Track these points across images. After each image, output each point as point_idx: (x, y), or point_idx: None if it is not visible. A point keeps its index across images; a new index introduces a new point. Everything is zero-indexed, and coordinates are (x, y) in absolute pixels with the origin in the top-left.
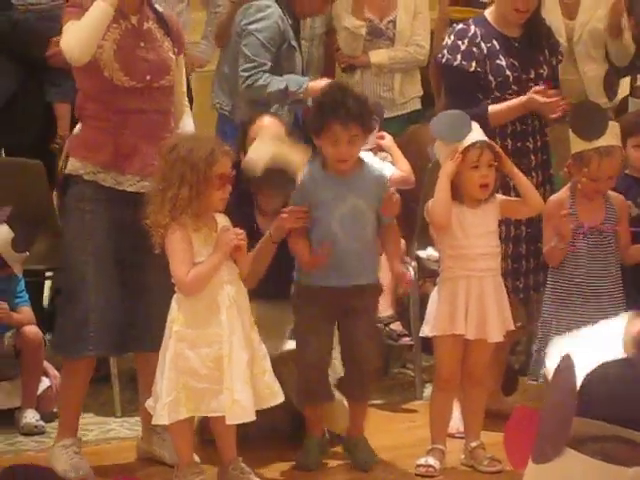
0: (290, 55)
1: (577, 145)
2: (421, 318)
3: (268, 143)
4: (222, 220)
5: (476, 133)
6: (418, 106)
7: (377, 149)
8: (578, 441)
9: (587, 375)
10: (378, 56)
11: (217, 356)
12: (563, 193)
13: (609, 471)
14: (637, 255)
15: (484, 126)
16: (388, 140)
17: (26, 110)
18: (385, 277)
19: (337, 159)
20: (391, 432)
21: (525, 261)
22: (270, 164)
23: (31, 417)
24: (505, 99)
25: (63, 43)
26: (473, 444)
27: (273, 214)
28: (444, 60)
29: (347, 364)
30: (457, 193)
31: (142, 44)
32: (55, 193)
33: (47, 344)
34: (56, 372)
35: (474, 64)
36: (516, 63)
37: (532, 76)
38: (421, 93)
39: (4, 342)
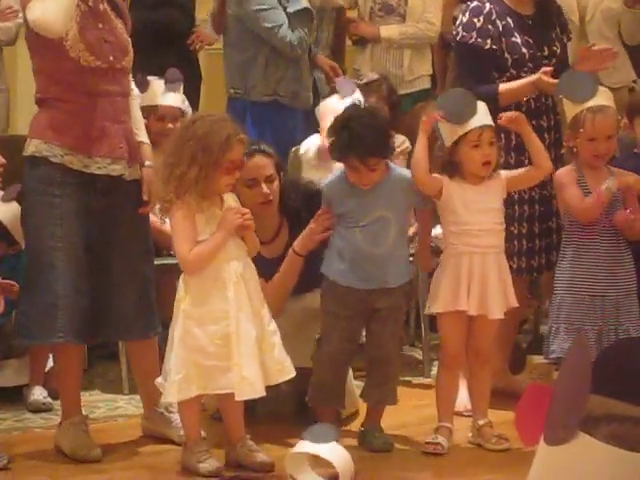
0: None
1: (571, 111)
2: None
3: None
4: (230, 199)
5: (480, 116)
6: (427, 85)
7: None
8: (592, 421)
9: (602, 351)
10: (388, 30)
11: (225, 333)
12: (568, 167)
13: (621, 457)
14: None
15: (494, 104)
16: None
17: None
18: None
19: (359, 184)
20: (399, 410)
21: (539, 240)
22: None
23: (39, 394)
24: (520, 77)
25: (37, 16)
26: (480, 422)
27: (270, 240)
28: (459, 37)
29: (370, 366)
30: (459, 171)
31: (100, 25)
32: None
33: None
34: None
35: (489, 42)
36: (530, 40)
37: (546, 53)
38: (430, 72)
39: (12, 319)
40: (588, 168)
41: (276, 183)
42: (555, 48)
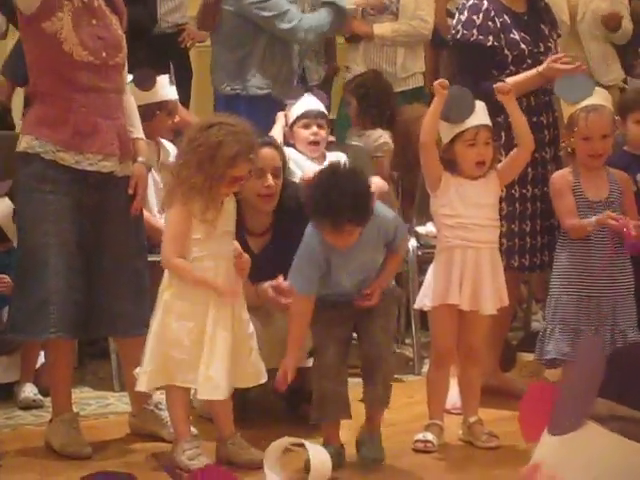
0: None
1: (567, 111)
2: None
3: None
4: (227, 204)
5: (477, 115)
6: (421, 83)
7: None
8: (599, 419)
9: (611, 354)
10: (381, 28)
11: (201, 330)
12: (565, 170)
13: (629, 446)
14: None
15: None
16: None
17: None
18: None
19: (337, 245)
20: (389, 408)
21: (540, 237)
22: None
23: (29, 391)
24: (519, 74)
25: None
26: (471, 420)
27: (261, 234)
28: (459, 36)
29: (364, 365)
30: (455, 167)
31: (94, 21)
32: None
33: None
34: None
35: (491, 38)
36: (527, 37)
37: (542, 50)
38: (423, 69)
39: (3, 316)
40: (585, 169)
41: (280, 179)
42: (550, 44)
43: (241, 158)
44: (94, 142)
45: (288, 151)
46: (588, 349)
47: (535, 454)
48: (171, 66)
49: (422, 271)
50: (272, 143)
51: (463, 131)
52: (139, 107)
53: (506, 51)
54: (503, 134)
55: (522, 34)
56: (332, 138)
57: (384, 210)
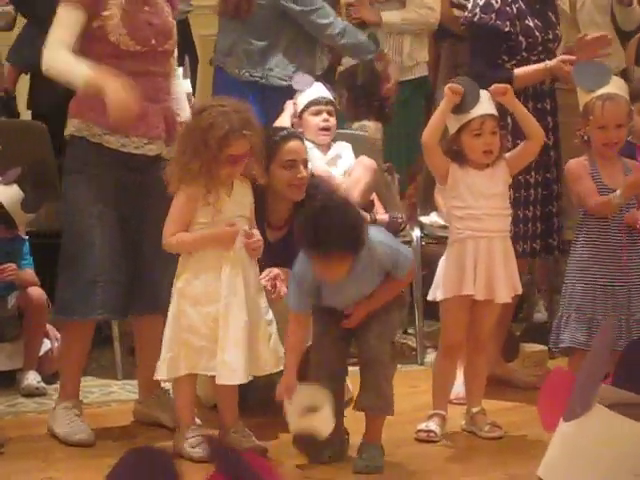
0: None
1: (583, 99)
2: (423, 282)
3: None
4: (241, 195)
5: (482, 105)
6: (425, 72)
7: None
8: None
9: (629, 345)
10: (391, 16)
11: (217, 315)
12: (581, 158)
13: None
14: None
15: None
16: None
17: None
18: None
19: (326, 279)
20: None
21: (540, 223)
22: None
23: (32, 379)
24: (530, 60)
25: (44, 56)
26: (474, 410)
27: (279, 227)
28: (476, 19)
29: (362, 373)
30: (463, 158)
31: (146, 8)
32: None
33: (50, 306)
34: (57, 334)
35: (508, 24)
36: (540, 24)
37: (551, 37)
38: (427, 59)
39: (8, 303)
40: (601, 158)
41: (307, 170)
42: (557, 31)
43: (233, 136)
44: (140, 125)
45: None
46: (601, 337)
47: (550, 445)
48: (186, 58)
49: (425, 262)
50: (298, 136)
51: (469, 121)
52: None
53: (520, 37)
54: (509, 120)
55: (535, 21)
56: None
57: (383, 239)
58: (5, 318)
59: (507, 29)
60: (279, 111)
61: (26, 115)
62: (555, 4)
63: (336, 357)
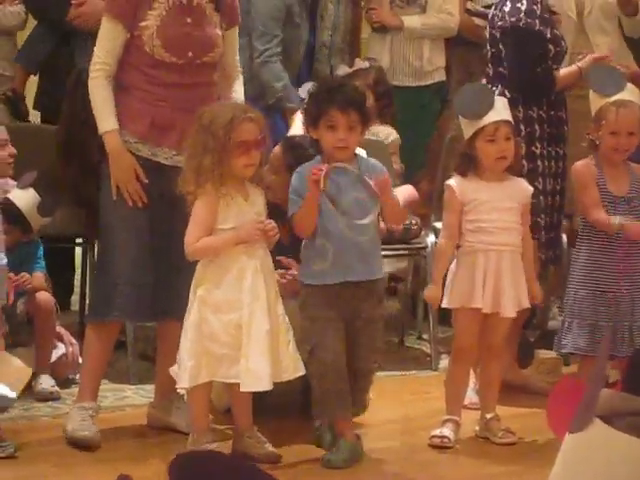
0: (292, 33)
1: (596, 103)
2: None
3: None
4: (256, 198)
5: (497, 110)
6: (444, 77)
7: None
8: (616, 415)
9: (636, 351)
10: (412, 21)
11: (239, 323)
12: (587, 160)
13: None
14: None
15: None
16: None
17: (59, 76)
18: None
19: (336, 145)
20: (405, 403)
21: (545, 233)
22: None
23: (47, 383)
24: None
25: (90, 77)
26: (488, 416)
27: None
28: (521, 23)
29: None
30: (476, 168)
31: (189, 20)
32: None
33: (59, 310)
34: (72, 338)
35: (548, 31)
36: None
37: (566, 49)
38: (445, 64)
39: (16, 308)
40: (607, 163)
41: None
42: (564, 43)
43: (238, 120)
44: (170, 136)
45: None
46: (601, 351)
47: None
48: None
49: None
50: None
51: (483, 127)
52: None
53: (550, 45)
54: (522, 126)
55: (557, 31)
56: None
57: (369, 159)
58: (15, 323)
59: (548, 35)
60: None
61: (34, 116)
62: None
63: (338, 358)
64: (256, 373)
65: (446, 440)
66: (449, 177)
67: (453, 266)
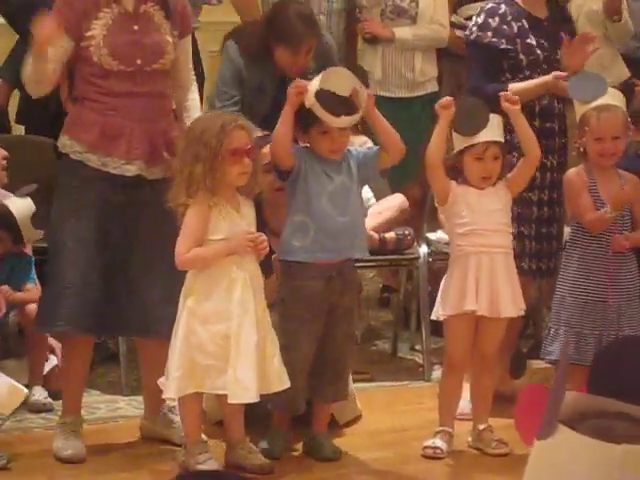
0: (257, 98)
1: (579, 111)
2: (431, 299)
3: None
4: (247, 210)
5: (490, 130)
6: (436, 88)
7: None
8: (581, 417)
9: (600, 351)
10: (403, 32)
11: (227, 334)
12: (579, 168)
13: (599, 448)
14: None
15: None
16: None
17: None
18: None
19: (332, 149)
20: (398, 414)
21: (546, 243)
22: None
23: (39, 395)
24: (532, 78)
25: (24, 75)
26: (481, 427)
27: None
28: (473, 37)
29: (321, 364)
30: (463, 177)
31: (136, 27)
32: None
33: None
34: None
35: (504, 41)
36: (545, 43)
37: (558, 56)
38: (437, 74)
39: (9, 320)
40: (598, 170)
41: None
42: (545, 51)
43: (229, 127)
44: (119, 146)
45: None
46: (561, 357)
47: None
48: None
49: (432, 278)
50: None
51: (473, 144)
52: None
53: (521, 55)
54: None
55: (540, 40)
56: None
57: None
58: (6, 335)
59: (502, 46)
60: None
61: (18, 130)
62: (570, 26)
63: (310, 356)
64: (243, 384)
65: (439, 451)
66: None
67: (445, 275)
